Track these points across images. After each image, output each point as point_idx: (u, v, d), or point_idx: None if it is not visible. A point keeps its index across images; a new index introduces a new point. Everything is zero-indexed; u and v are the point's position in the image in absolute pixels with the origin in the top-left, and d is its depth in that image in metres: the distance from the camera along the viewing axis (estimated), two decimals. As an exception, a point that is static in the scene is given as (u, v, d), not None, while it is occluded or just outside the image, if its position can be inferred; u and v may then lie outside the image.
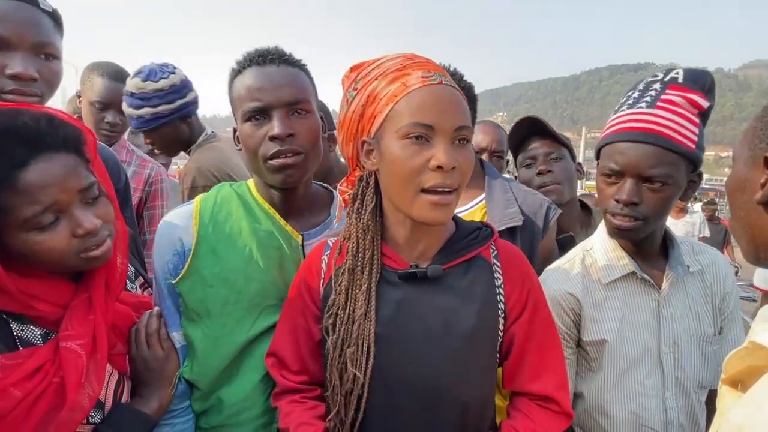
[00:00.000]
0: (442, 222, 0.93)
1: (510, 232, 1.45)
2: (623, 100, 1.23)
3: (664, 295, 1.21)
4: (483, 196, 1.55)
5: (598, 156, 1.24)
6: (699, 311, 1.21)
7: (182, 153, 2.19)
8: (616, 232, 1.19)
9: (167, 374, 1.11)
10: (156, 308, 1.16)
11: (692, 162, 1.13)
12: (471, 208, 1.55)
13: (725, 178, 0.79)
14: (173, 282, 1.13)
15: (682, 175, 1.12)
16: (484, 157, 2.04)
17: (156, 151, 2.25)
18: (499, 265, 1.01)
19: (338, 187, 1.09)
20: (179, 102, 1.96)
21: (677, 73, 1.15)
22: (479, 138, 2.07)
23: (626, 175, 1.13)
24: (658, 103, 1.12)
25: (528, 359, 1.00)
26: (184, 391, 1.18)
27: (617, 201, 1.14)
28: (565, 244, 1.62)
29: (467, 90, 1.55)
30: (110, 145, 2.25)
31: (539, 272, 1.33)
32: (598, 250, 1.27)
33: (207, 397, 1.17)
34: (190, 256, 1.12)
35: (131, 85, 1.94)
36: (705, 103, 1.12)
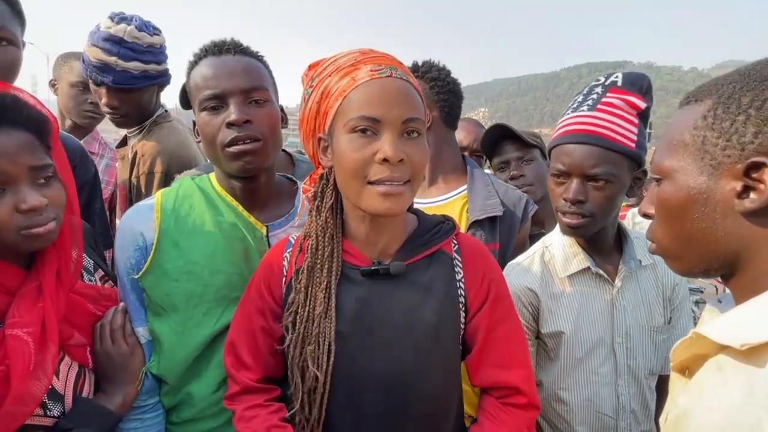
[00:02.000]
0: (395, 213, 0.90)
1: (491, 222, 1.49)
2: (570, 104, 1.29)
3: (617, 289, 1.25)
4: (464, 187, 1.57)
5: (549, 158, 1.30)
6: (651, 303, 1.27)
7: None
8: (567, 230, 1.24)
9: (132, 370, 1.08)
10: (121, 304, 1.12)
11: (635, 160, 1.18)
12: (451, 198, 1.57)
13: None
14: (136, 277, 1.10)
15: (625, 173, 1.17)
16: (466, 154, 2.10)
17: (113, 117, 1.84)
18: (459, 259, 1.01)
19: (303, 186, 1.07)
20: (164, 66, 1.74)
21: (617, 77, 1.22)
22: (461, 136, 2.12)
23: (572, 175, 1.18)
24: (599, 106, 1.18)
25: (493, 351, 0.99)
26: (152, 386, 1.14)
27: (565, 200, 1.19)
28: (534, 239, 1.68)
29: (453, 85, 1.58)
30: (92, 128, 2.16)
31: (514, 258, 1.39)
32: (556, 246, 1.31)
33: (176, 392, 1.14)
34: (153, 251, 1.09)
35: (121, 30, 1.59)
36: (642, 104, 1.18)
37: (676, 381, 0.72)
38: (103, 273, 1.17)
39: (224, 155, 1.08)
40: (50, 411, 0.94)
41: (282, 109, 1.18)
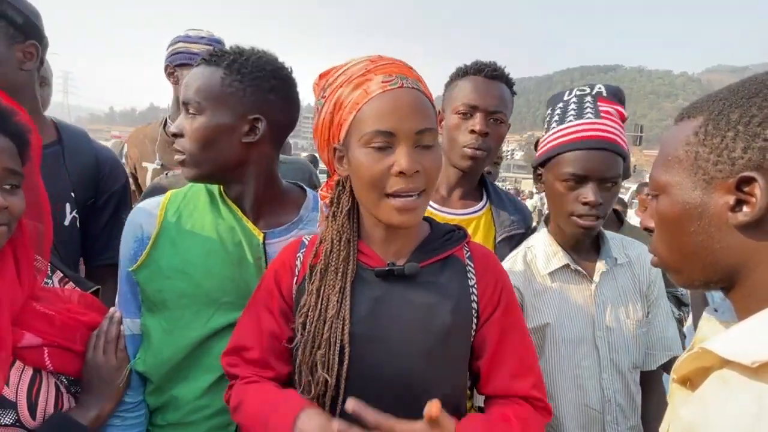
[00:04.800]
0: (410, 225, 0.89)
1: (514, 239, 1.47)
2: (558, 113, 1.31)
3: (596, 285, 1.27)
4: (485, 201, 1.54)
5: (539, 165, 1.31)
6: (629, 298, 1.29)
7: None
8: (579, 232, 1.23)
9: (114, 386, 1.04)
10: (117, 313, 1.08)
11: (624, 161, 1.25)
12: (477, 213, 1.53)
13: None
14: (131, 270, 1.07)
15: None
16: None
17: None
18: (472, 265, 0.97)
19: (320, 192, 1.03)
20: None
21: (600, 88, 1.29)
22: None
23: (590, 179, 1.19)
24: (602, 114, 1.24)
25: (506, 360, 0.95)
26: (136, 384, 1.10)
27: (585, 203, 1.19)
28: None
29: (507, 82, 1.47)
30: None
31: None
32: (538, 246, 1.33)
33: (162, 393, 1.09)
34: (149, 246, 1.06)
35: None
36: (625, 113, 1.29)
37: (677, 392, 0.70)
38: (61, 275, 1.11)
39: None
40: (1, 420, 0.86)
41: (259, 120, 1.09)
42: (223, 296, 1.06)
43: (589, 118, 1.24)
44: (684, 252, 0.68)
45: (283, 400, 0.88)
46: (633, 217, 6.16)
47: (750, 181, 0.59)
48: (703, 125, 0.65)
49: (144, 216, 1.10)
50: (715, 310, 0.73)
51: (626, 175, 1.28)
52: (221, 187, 1.14)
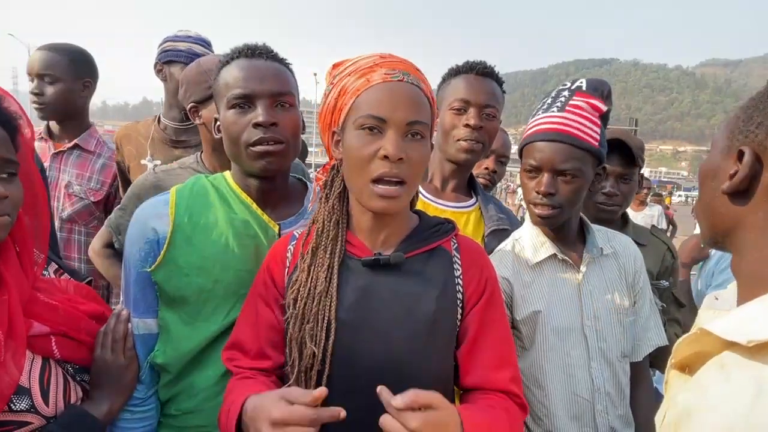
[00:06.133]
0: (390, 212, 0.92)
1: (502, 233, 1.52)
2: (539, 106, 1.35)
3: (582, 274, 1.29)
4: (473, 200, 1.61)
5: (521, 155, 1.35)
6: (615, 287, 1.31)
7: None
8: (538, 221, 1.29)
9: (124, 382, 1.05)
10: (125, 312, 1.08)
11: (597, 157, 1.25)
12: (468, 207, 1.59)
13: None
14: (149, 270, 1.07)
15: (589, 169, 1.24)
16: (491, 159, 2.14)
17: None
18: (458, 256, 1.00)
19: (316, 174, 1.07)
20: None
21: (581, 83, 1.31)
22: None
23: (543, 170, 1.23)
24: (567, 108, 1.26)
25: (486, 351, 0.97)
26: (147, 380, 1.11)
27: (537, 192, 1.24)
28: None
29: (497, 80, 1.54)
30: (43, 119, 1.98)
31: None
32: (525, 238, 1.36)
33: (177, 382, 1.10)
34: (166, 245, 1.06)
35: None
36: (604, 107, 1.27)
37: (675, 379, 0.69)
38: (56, 267, 1.11)
39: (247, 154, 1.07)
40: (15, 405, 0.87)
41: (301, 115, 1.15)
42: (241, 289, 1.07)
43: (552, 112, 1.27)
44: (701, 207, 0.71)
45: (251, 385, 0.91)
46: (630, 211, 6.11)
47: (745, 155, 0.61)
48: (761, 93, 0.64)
49: (154, 218, 1.09)
50: (716, 299, 0.74)
51: (602, 170, 1.30)
52: (232, 180, 1.16)
